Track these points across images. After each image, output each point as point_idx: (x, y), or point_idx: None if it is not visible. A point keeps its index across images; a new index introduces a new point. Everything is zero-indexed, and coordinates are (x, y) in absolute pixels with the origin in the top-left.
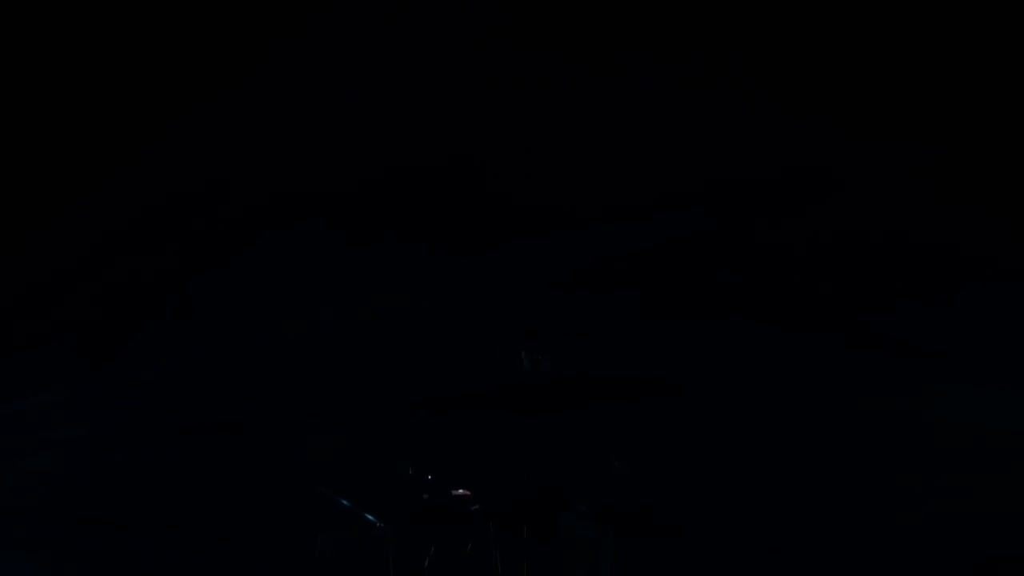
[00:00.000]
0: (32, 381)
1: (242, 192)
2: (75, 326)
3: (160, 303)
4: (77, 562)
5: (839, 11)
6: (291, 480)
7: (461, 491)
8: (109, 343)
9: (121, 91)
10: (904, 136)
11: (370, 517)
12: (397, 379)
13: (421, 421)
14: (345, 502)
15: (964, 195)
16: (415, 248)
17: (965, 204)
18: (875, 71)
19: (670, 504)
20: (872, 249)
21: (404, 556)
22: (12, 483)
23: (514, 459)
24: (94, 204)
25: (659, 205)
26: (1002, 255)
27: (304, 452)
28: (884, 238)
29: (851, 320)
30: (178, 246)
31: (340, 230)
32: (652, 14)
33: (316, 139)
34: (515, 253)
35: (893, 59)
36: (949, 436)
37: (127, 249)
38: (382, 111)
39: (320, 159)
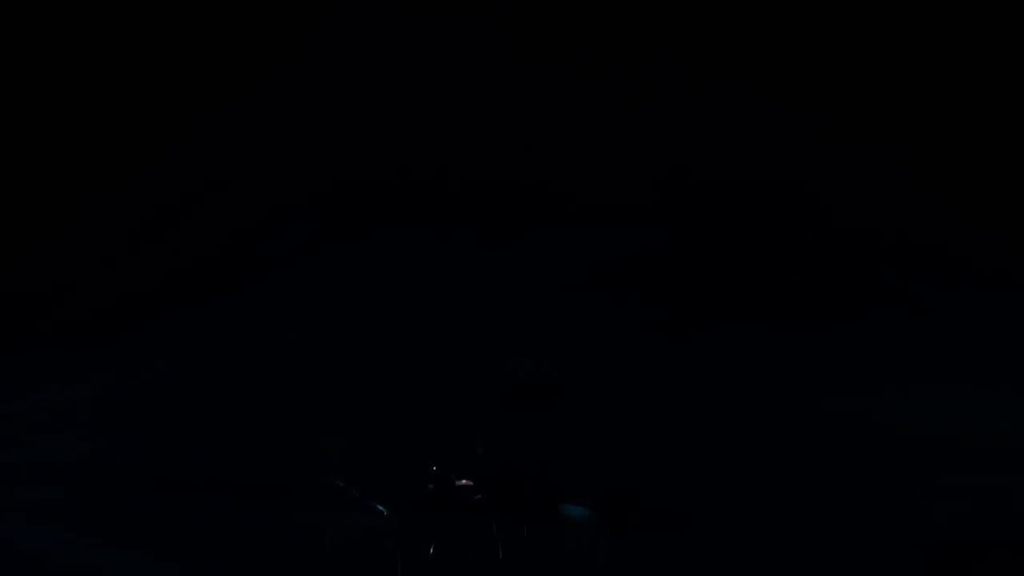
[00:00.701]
0: (38, 379)
1: (243, 193)
2: (78, 325)
3: (166, 301)
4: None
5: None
6: (301, 472)
7: (464, 482)
8: (112, 341)
9: (129, 97)
10: (882, 139)
11: (378, 507)
12: (402, 376)
13: (426, 416)
14: (354, 492)
15: (944, 197)
16: (415, 250)
17: (948, 206)
18: (846, 72)
19: (664, 495)
20: (850, 251)
21: (409, 544)
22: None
23: (515, 452)
24: (99, 206)
25: (637, 210)
26: (977, 258)
27: (313, 446)
28: (862, 240)
29: (834, 322)
30: (183, 245)
31: (341, 230)
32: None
33: (316, 139)
34: (511, 255)
35: (860, 60)
36: (926, 440)
37: (134, 249)
38: (375, 112)
39: (322, 159)
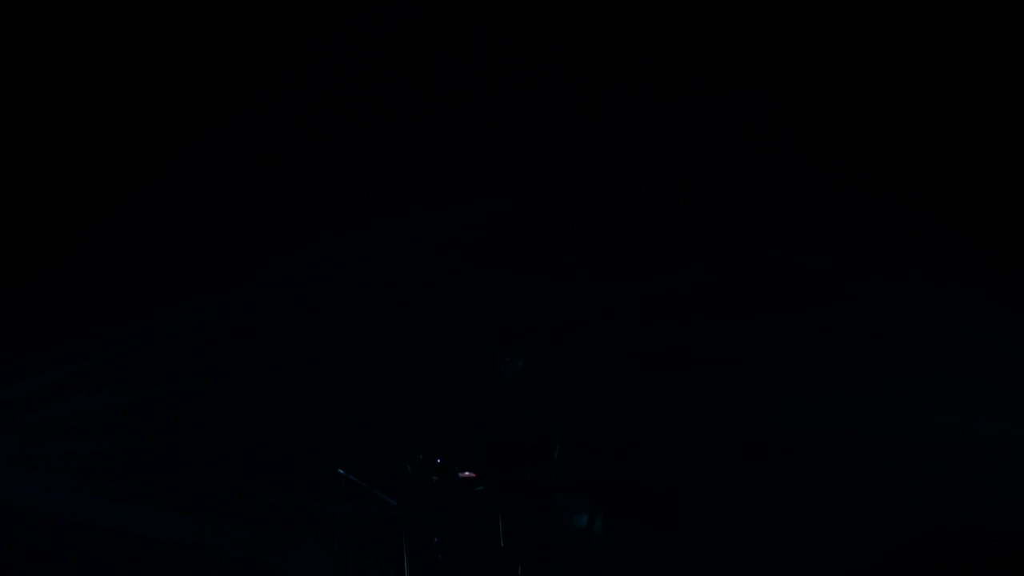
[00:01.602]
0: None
1: (237, 196)
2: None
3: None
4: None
5: None
6: (314, 464)
7: (467, 473)
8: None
9: (137, 104)
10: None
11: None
12: (409, 374)
13: (431, 411)
14: (363, 483)
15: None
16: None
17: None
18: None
19: (657, 484)
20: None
21: (416, 531)
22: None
23: (515, 445)
24: (111, 210)
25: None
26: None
27: (326, 440)
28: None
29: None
30: (201, 247)
31: (343, 231)
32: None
33: (316, 143)
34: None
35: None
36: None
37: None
38: (371, 111)
39: (324, 162)
